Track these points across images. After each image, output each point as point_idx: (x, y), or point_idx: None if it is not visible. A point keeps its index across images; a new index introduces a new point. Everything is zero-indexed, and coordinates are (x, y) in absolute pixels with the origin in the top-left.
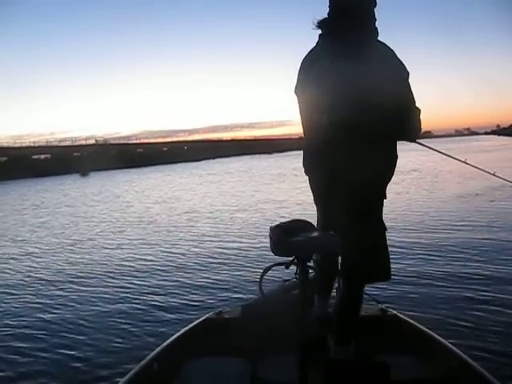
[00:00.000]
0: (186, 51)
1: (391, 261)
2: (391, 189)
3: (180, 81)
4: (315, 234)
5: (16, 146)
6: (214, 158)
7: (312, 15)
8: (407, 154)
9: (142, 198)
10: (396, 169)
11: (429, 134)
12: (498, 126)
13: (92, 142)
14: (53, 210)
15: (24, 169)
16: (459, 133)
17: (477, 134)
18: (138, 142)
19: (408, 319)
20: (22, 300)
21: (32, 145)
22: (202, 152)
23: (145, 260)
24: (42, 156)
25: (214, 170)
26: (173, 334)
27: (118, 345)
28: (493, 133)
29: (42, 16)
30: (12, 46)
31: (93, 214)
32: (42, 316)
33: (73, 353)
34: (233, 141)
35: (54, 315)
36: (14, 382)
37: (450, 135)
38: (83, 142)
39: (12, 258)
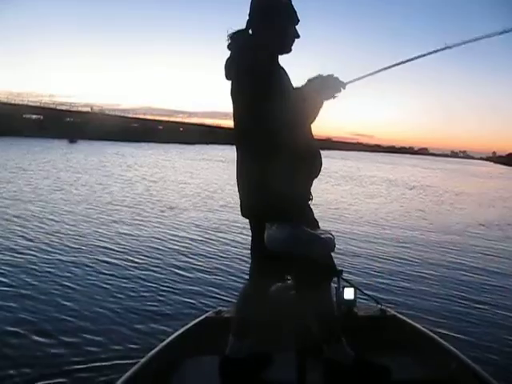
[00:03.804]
0: (200, 30)
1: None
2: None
3: (187, 61)
4: (314, 232)
5: (8, 101)
6: (207, 144)
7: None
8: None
9: (130, 176)
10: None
11: (425, 151)
12: (493, 152)
13: (88, 110)
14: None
15: (12, 127)
16: (455, 154)
17: (472, 158)
18: (133, 116)
19: (407, 319)
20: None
21: (24, 103)
22: (197, 136)
23: (142, 253)
24: (34, 116)
25: (208, 156)
26: (172, 333)
27: (116, 342)
28: (488, 159)
29: None
30: (25, 9)
31: (70, 195)
32: (38, 306)
33: (70, 349)
34: (230, 129)
35: (49, 304)
36: (11, 371)
37: (446, 155)
38: (80, 109)
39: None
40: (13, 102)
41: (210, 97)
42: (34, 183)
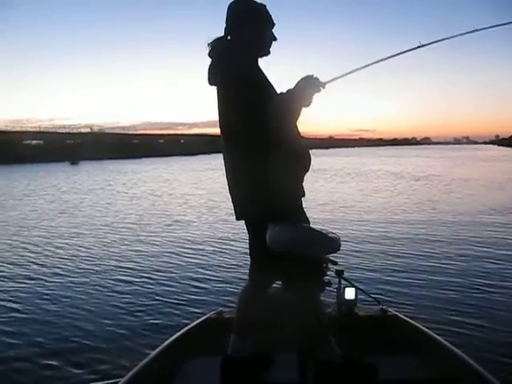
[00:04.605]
0: (195, 42)
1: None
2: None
3: (184, 72)
4: (320, 231)
5: (8, 129)
6: (209, 154)
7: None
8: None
9: (134, 193)
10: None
11: (428, 141)
12: (496, 136)
13: (87, 130)
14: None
15: (13, 154)
16: (458, 141)
17: (475, 143)
18: (133, 132)
19: (408, 319)
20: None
21: (22, 129)
22: (198, 146)
23: (144, 257)
24: (34, 142)
25: (210, 165)
26: (173, 334)
27: (118, 344)
28: (492, 143)
29: (51, 4)
30: (22, 34)
31: (78, 212)
32: (40, 309)
33: (71, 351)
34: None
35: (51, 309)
36: (11, 375)
37: (449, 143)
38: (80, 130)
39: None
40: (12, 129)
41: (210, 106)
42: (39, 208)
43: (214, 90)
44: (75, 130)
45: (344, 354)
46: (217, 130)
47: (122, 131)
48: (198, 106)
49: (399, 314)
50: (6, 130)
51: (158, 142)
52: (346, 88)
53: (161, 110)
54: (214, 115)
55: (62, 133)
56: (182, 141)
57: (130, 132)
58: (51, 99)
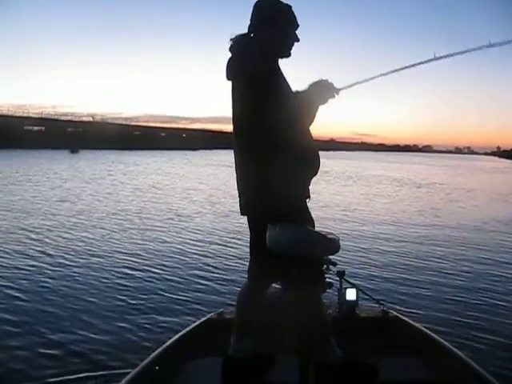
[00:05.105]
0: (200, 35)
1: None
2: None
3: (189, 67)
4: (320, 232)
5: (10, 114)
6: (211, 149)
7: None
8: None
9: (135, 184)
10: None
11: (429, 149)
12: (498, 147)
13: (89, 119)
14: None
15: (13, 139)
16: (459, 150)
17: (477, 153)
18: (135, 124)
19: (409, 321)
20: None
21: (24, 115)
22: (200, 141)
23: (145, 249)
24: (35, 128)
25: (212, 161)
26: (174, 335)
27: (118, 345)
28: (493, 154)
29: None
30: (28, 18)
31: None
32: (42, 308)
33: (70, 341)
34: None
35: (52, 307)
36: (11, 364)
37: (450, 152)
38: (82, 119)
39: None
40: (14, 114)
41: (214, 102)
42: (40, 195)
43: (224, 85)
44: (77, 119)
45: (345, 355)
46: (218, 126)
47: (124, 122)
48: (201, 101)
49: (400, 316)
50: (7, 115)
51: (160, 135)
52: (348, 90)
53: (164, 103)
54: (216, 111)
55: (64, 120)
56: (184, 135)
57: (133, 123)
58: (55, 86)
